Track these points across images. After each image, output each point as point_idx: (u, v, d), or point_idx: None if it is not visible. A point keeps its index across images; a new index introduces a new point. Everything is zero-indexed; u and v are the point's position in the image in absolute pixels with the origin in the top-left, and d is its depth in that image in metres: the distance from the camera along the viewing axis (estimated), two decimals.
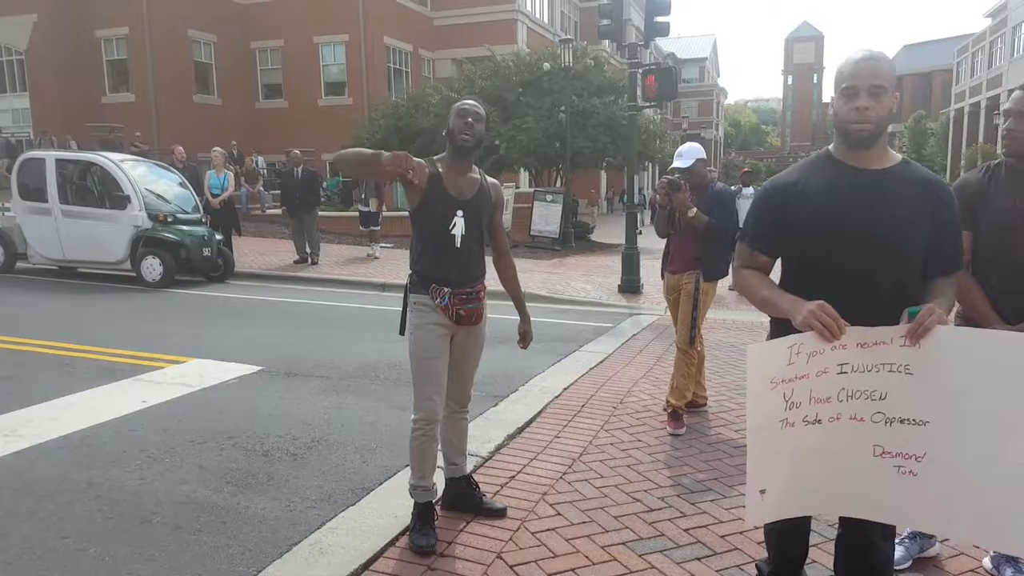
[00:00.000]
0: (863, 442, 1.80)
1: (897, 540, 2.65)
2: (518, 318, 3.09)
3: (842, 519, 2.05)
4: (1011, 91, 2.38)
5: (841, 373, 1.78)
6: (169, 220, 9.92)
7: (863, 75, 1.80)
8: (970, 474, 1.74)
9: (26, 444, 3.86)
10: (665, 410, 4.35)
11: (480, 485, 3.16)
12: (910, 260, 1.86)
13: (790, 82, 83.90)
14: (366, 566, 2.64)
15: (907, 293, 1.85)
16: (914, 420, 1.76)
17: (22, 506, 3.14)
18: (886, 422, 1.78)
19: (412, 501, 2.87)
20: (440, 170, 2.80)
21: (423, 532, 2.78)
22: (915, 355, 1.74)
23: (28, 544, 2.81)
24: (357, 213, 14.04)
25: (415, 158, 2.76)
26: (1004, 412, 1.70)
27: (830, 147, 1.99)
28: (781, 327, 1.90)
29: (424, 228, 2.83)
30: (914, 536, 2.66)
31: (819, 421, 1.80)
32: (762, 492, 1.86)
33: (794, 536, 2.18)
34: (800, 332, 1.80)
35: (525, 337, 3.10)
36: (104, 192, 10.06)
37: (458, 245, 2.77)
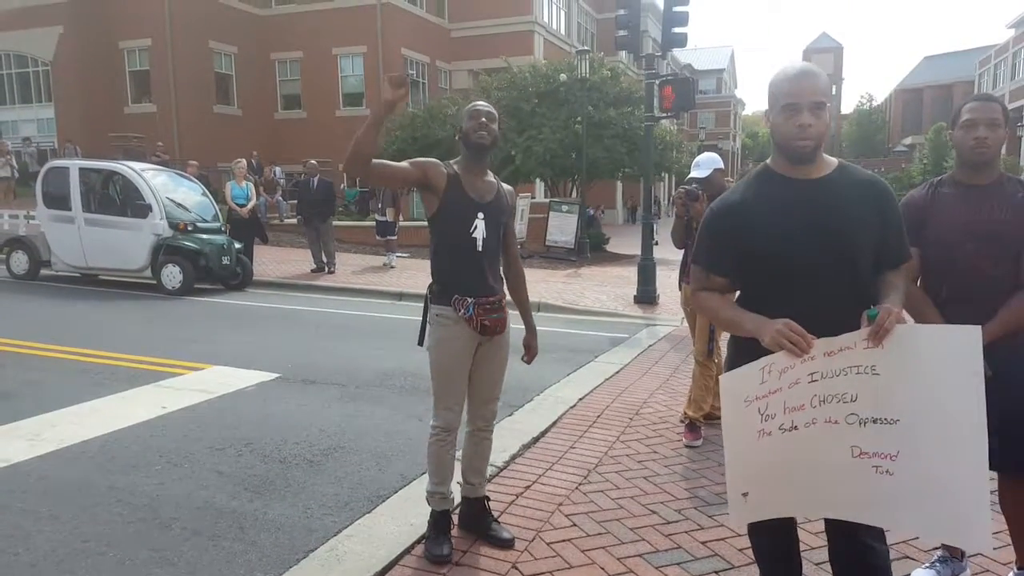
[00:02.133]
0: (841, 444, 1.83)
1: (927, 565, 2.60)
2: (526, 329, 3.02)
3: (828, 528, 2.02)
4: (964, 103, 2.36)
5: (812, 381, 1.81)
6: (189, 229, 10.05)
7: (804, 92, 1.80)
8: (936, 470, 1.76)
9: (49, 448, 3.92)
10: (682, 421, 4.32)
11: (494, 499, 3.13)
12: (864, 260, 1.89)
13: None
14: (382, 574, 2.65)
15: (866, 293, 1.88)
16: (885, 419, 1.79)
17: (44, 509, 3.19)
18: (860, 423, 1.81)
19: (428, 510, 2.87)
20: (457, 171, 2.74)
21: (439, 541, 2.78)
22: (879, 356, 1.77)
23: (51, 547, 2.85)
24: (374, 223, 14.16)
25: (430, 159, 2.75)
26: (949, 404, 1.75)
27: (767, 162, 1.98)
28: (741, 345, 1.93)
29: (444, 232, 2.75)
30: (944, 560, 2.59)
31: (795, 427, 1.83)
32: (744, 495, 1.90)
33: (780, 546, 2.10)
34: (767, 352, 1.82)
35: (531, 350, 2.99)
36: (126, 201, 10.24)
37: (480, 248, 2.71)
